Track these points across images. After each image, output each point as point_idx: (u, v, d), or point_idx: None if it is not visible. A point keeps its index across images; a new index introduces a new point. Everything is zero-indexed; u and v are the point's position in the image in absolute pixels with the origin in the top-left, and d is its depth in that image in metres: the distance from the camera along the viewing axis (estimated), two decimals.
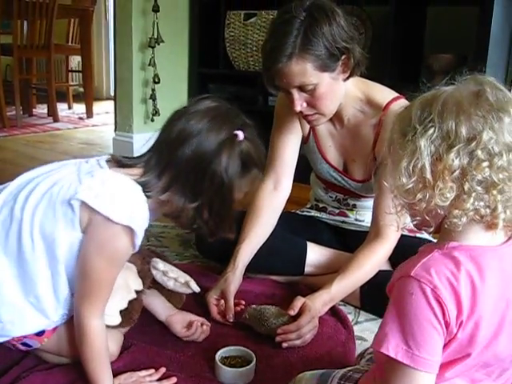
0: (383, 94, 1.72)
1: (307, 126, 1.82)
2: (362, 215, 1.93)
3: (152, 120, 3.68)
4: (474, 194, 0.82)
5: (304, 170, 1.99)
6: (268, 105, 3.52)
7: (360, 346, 1.53)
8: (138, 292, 1.40)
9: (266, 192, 1.85)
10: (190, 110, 1.25)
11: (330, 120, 1.74)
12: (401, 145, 0.87)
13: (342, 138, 1.81)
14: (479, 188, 0.81)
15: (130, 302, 1.37)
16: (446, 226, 0.87)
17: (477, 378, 0.88)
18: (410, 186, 0.85)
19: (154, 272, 1.43)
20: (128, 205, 1.17)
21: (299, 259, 1.85)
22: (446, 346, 0.84)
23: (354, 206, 1.92)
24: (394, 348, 0.83)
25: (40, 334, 1.29)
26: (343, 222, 1.95)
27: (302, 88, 1.55)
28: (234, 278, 1.69)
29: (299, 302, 1.55)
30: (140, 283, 1.40)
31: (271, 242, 1.81)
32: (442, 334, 0.83)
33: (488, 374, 0.89)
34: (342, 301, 1.75)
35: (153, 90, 3.61)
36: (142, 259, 1.44)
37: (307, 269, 1.85)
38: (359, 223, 1.93)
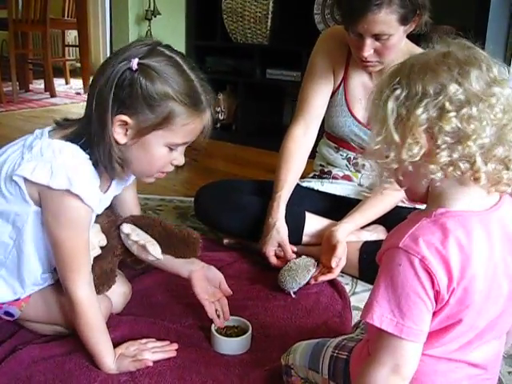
0: (420, 49, 1.78)
1: (338, 79, 1.90)
2: (366, 180, 1.95)
3: None
4: (444, 146, 0.81)
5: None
6: (266, 78, 3.49)
7: (357, 316, 1.53)
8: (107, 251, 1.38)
9: (296, 138, 1.91)
10: None
11: (370, 73, 1.85)
12: (372, 110, 0.89)
13: None
14: (448, 139, 0.81)
15: (96, 259, 1.34)
16: (430, 189, 0.87)
17: (469, 343, 0.88)
18: (379, 146, 0.86)
19: (121, 236, 1.40)
20: (65, 169, 1.13)
21: (297, 228, 1.86)
22: (437, 312, 0.84)
23: (363, 166, 1.95)
24: (378, 317, 0.84)
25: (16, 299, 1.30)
26: (344, 188, 1.96)
27: (377, 36, 1.64)
28: (284, 227, 1.77)
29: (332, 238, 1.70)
30: (103, 238, 1.36)
31: None
32: (429, 305, 0.83)
33: (480, 339, 0.89)
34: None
35: None
36: (110, 221, 1.40)
37: (305, 238, 1.87)
38: (361, 189, 1.93)
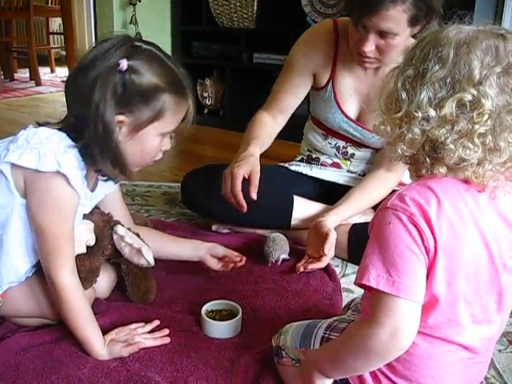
0: None
1: (325, 79, 1.85)
2: (356, 167, 1.94)
3: None
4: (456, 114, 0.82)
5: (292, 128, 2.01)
6: (253, 62, 3.47)
7: (347, 298, 1.53)
8: (94, 250, 1.38)
9: (262, 117, 1.91)
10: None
11: (365, 68, 1.79)
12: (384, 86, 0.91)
13: (370, 86, 1.83)
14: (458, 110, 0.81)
15: (88, 255, 1.35)
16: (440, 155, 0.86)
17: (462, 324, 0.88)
18: (398, 115, 0.86)
19: (114, 237, 1.40)
20: (52, 152, 1.15)
21: (286, 212, 1.85)
22: (428, 275, 0.84)
23: (353, 155, 1.93)
24: (375, 278, 0.83)
25: None
26: (334, 175, 1.95)
27: (383, 33, 1.59)
28: (258, 162, 1.72)
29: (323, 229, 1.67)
30: (92, 238, 1.37)
31: (257, 196, 1.80)
32: (423, 259, 0.83)
33: (473, 316, 0.89)
34: None
35: None
36: (105, 221, 1.42)
37: (294, 222, 1.86)
38: (351, 175, 1.92)
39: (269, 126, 1.90)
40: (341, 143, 1.93)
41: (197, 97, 3.70)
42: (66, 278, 1.20)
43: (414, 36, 1.63)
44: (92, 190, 1.32)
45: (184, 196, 2.00)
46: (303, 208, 1.87)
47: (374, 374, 0.93)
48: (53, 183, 1.16)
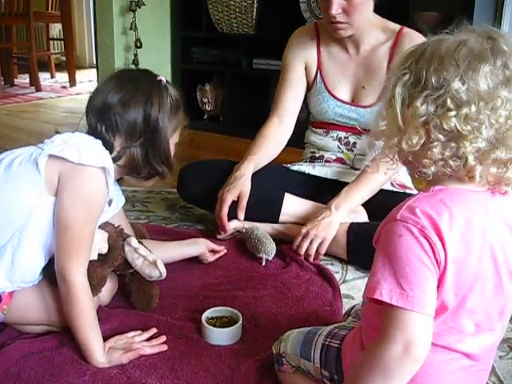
0: (394, 23, 1.92)
1: (313, 70, 1.98)
2: (359, 162, 1.96)
3: None
4: (436, 143, 0.81)
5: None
6: (252, 68, 3.47)
7: (347, 305, 1.53)
8: (104, 259, 1.39)
9: (271, 126, 1.99)
10: (105, 84, 1.37)
11: (346, 49, 1.93)
12: (386, 89, 0.89)
13: (355, 66, 1.94)
14: (442, 136, 0.81)
15: (101, 263, 1.37)
16: (416, 176, 0.88)
17: (464, 331, 0.88)
18: (386, 129, 0.87)
19: (126, 248, 1.41)
20: (94, 149, 1.26)
21: (274, 207, 1.90)
22: (438, 287, 0.83)
23: (355, 145, 1.97)
24: (387, 293, 0.82)
25: None
26: (337, 172, 1.98)
27: None
28: (249, 182, 1.84)
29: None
30: (105, 246, 1.39)
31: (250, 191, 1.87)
32: (434, 272, 0.82)
33: (475, 325, 0.89)
34: (328, 255, 1.81)
35: (135, 54, 3.54)
36: (118, 232, 1.44)
37: (283, 217, 1.90)
38: (355, 173, 1.93)
39: (272, 138, 1.98)
40: (341, 134, 1.99)
41: (197, 102, 3.70)
42: (81, 277, 1.22)
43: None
44: (109, 205, 1.40)
45: (180, 186, 2.04)
46: (293, 204, 1.91)
47: None
48: (93, 177, 1.23)
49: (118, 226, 1.45)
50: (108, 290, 1.46)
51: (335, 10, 1.74)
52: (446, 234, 0.81)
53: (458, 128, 0.80)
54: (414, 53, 0.86)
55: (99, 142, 1.29)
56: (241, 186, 1.81)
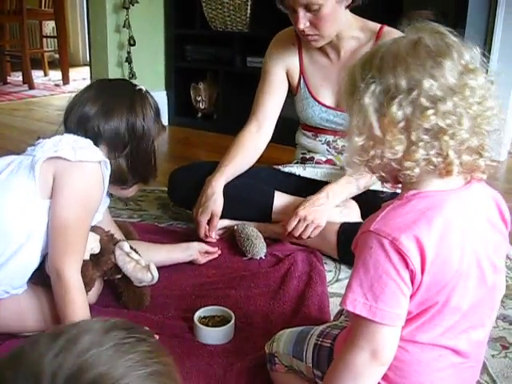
0: (373, 23, 1.87)
1: (296, 75, 1.96)
2: None
3: None
4: (421, 144, 0.81)
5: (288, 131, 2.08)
6: (246, 66, 3.46)
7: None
8: (95, 259, 1.39)
9: (248, 133, 1.97)
10: (84, 93, 1.37)
11: (327, 55, 1.90)
12: (348, 105, 0.88)
13: (337, 71, 1.90)
14: (426, 137, 0.81)
15: (85, 263, 1.34)
16: (400, 179, 0.87)
17: (453, 327, 0.88)
18: (362, 143, 0.85)
19: (117, 252, 1.41)
20: (87, 146, 1.27)
21: (266, 206, 1.90)
22: (414, 294, 0.84)
23: (344, 148, 1.95)
24: (351, 302, 0.83)
25: None
26: (328, 173, 1.97)
27: (307, 7, 1.68)
28: (221, 199, 1.83)
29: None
30: (97, 246, 1.38)
31: (240, 190, 1.88)
32: (403, 286, 0.82)
33: (464, 321, 0.88)
34: (322, 254, 1.80)
35: (128, 52, 3.52)
36: (109, 236, 1.43)
37: (275, 216, 1.90)
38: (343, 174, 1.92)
39: (249, 146, 1.95)
40: (329, 138, 1.97)
41: (190, 100, 3.69)
42: (76, 275, 1.22)
43: (348, 6, 1.74)
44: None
45: (170, 190, 2.05)
46: (284, 202, 1.91)
47: None
48: (90, 172, 1.25)
49: (109, 231, 1.45)
50: (96, 287, 1.43)
51: (303, 24, 1.72)
52: (425, 238, 0.81)
53: (440, 124, 0.80)
54: (372, 61, 0.85)
55: (89, 140, 1.30)
56: (212, 205, 1.81)
